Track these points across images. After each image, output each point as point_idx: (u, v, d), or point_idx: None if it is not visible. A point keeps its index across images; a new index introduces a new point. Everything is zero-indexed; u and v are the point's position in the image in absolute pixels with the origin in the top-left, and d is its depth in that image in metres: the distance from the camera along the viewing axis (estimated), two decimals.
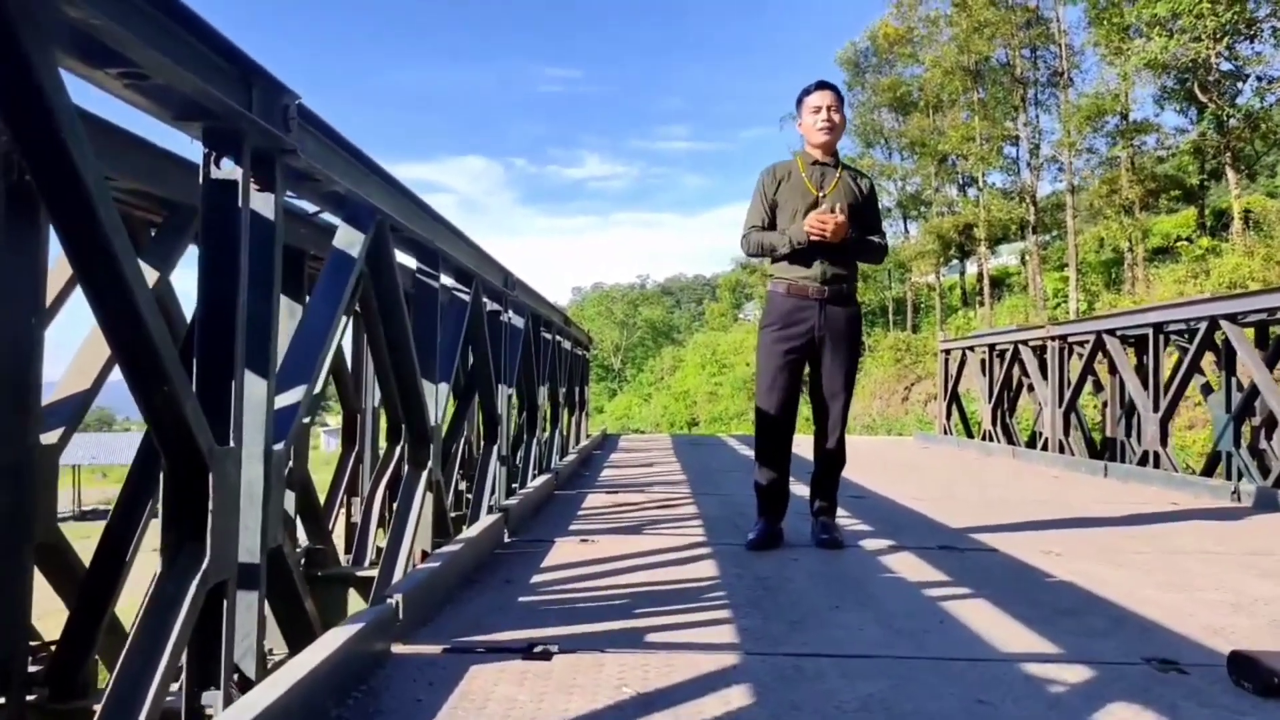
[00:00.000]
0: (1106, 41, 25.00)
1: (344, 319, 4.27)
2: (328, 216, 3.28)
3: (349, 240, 2.82)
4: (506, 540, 3.79)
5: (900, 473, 7.40)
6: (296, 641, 2.47)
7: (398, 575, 3.33)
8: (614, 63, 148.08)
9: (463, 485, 7.15)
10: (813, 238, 3.65)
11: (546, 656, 2.15)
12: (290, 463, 3.72)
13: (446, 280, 4.32)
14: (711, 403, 43.61)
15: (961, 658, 2.21)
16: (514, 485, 5.94)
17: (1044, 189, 34.79)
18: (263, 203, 2.19)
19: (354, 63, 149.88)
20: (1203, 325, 6.39)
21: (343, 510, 5.51)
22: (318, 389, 3.82)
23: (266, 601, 2.41)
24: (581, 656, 2.16)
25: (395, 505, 3.73)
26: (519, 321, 5.75)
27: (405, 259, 3.89)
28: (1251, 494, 5.35)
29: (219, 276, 2.05)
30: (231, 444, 2.01)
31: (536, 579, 3.09)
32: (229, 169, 2.08)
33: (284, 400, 2.37)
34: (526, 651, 2.18)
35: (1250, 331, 6.62)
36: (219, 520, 1.94)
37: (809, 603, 2.77)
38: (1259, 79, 23.82)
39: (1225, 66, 23.49)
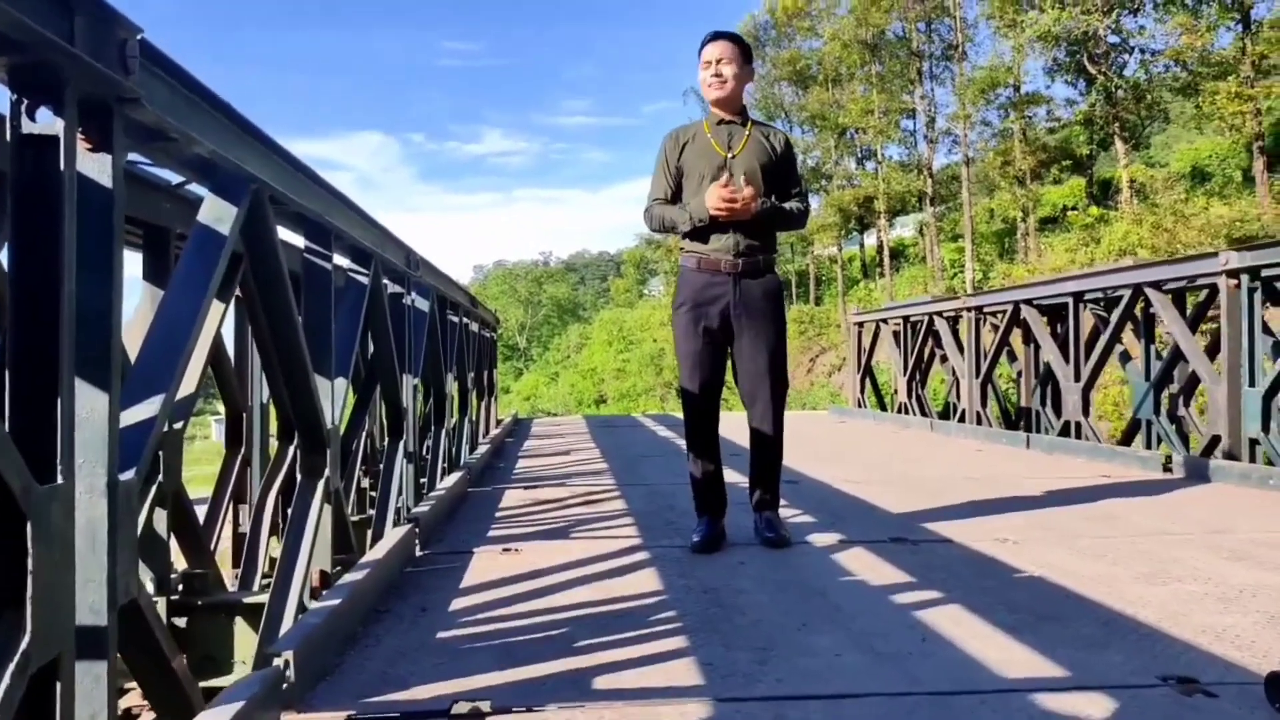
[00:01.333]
0: (1001, 14, 25.44)
1: (220, 306, 3.76)
2: (198, 189, 2.78)
3: (218, 214, 2.35)
4: (419, 554, 3.36)
5: (824, 450, 7.20)
6: (166, 709, 2.02)
7: (290, 607, 2.89)
8: (514, 36, 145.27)
9: (365, 482, 6.65)
10: (719, 217, 3.30)
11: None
12: (160, 476, 3.22)
13: (341, 261, 3.85)
14: (619, 379, 43.40)
15: (962, 690, 1.91)
16: (422, 480, 5.50)
17: (940, 161, 35.51)
18: (96, 165, 1.72)
19: (233, 26, 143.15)
20: (1126, 293, 6.32)
21: (229, 519, 4.97)
22: (186, 391, 3.32)
23: (125, 665, 1.96)
24: None
25: (288, 519, 3.26)
26: (423, 304, 5.29)
27: (293, 238, 3.41)
28: (1182, 464, 5.28)
29: (35, 260, 1.58)
30: (60, 479, 1.55)
31: (456, 604, 2.69)
32: (47, 122, 1.61)
33: (136, 414, 1.90)
34: (449, 717, 1.78)
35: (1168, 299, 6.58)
36: (43, 580, 1.49)
37: (771, 622, 2.44)
38: (1142, 51, 24.62)
39: (1112, 39, 24.16)
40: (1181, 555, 3.20)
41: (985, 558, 3.23)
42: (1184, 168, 29.76)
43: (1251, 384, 5.17)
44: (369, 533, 4.70)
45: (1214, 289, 6.30)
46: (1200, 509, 4.15)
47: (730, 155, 3.41)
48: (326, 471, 3.18)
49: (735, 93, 3.44)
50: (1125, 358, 7.30)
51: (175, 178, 3.24)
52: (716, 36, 3.44)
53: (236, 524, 5.02)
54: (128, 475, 1.80)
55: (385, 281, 4.64)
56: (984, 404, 8.50)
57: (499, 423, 10.23)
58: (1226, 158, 28.29)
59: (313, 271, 3.28)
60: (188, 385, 3.34)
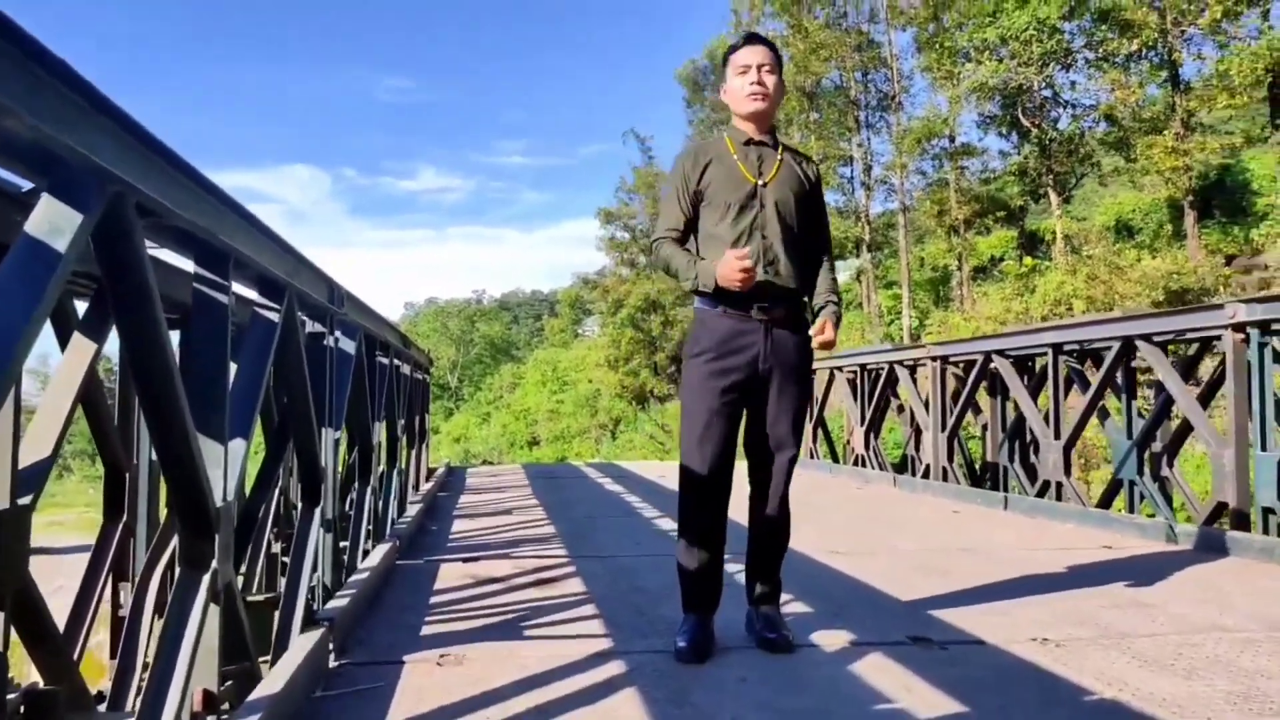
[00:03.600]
0: (938, 65, 25.72)
1: (90, 345, 3.03)
2: None
3: (54, 222, 1.67)
4: (334, 664, 2.66)
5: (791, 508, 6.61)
6: None
7: None
8: (452, 75, 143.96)
9: (279, 546, 5.85)
10: (733, 285, 2.73)
11: None
12: None
13: (247, 293, 3.17)
14: (553, 421, 42.47)
15: None
16: (344, 544, 4.75)
17: (876, 208, 35.76)
18: None
19: (167, 59, 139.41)
20: (1114, 345, 5.91)
21: (107, 602, 4.15)
22: (36, 456, 2.58)
23: None
24: None
25: (163, 620, 2.54)
26: (349, 345, 4.58)
27: (183, 262, 2.73)
28: (1192, 535, 4.82)
29: None
30: None
31: None
32: None
33: None
34: None
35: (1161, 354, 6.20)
36: None
37: None
38: (1073, 106, 25.04)
39: (1046, 93, 24.55)
40: (1267, 666, 2.67)
41: (1034, 669, 2.66)
42: (1108, 221, 30.40)
43: (1263, 448, 4.74)
44: (277, 614, 3.95)
45: (1205, 343, 5.95)
46: (1243, 595, 3.64)
47: (761, 183, 2.86)
48: (214, 563, 2.46)
49: (774, 107, 2.91)
50: (1103, 413, 6.90)
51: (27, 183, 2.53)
52: (754, 40, 2.93)
53: (116, 607, 4.21)
54: None
55: (303, 318, 3.94)
56: (950, 459, 8.04)
57: (430, 473, 9.45)
58: (1149, 212, 28.95)
59: (204, 304, 2.58)
60: (37, 450, 2.61)
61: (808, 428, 11.26)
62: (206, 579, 2.48)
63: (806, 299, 2.99)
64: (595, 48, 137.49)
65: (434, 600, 3.59)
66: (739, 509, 3.16)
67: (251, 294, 3.17)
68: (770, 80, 2.90)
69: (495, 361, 63.12)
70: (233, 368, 3.05)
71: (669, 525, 5.68)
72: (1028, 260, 27.02)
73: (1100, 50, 22.71)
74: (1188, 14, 20.39)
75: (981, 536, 5.28)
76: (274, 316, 3.15)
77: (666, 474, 9.54)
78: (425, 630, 3.09)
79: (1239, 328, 4.88)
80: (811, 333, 2.86)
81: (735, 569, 3.09)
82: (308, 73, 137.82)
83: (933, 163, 31.50)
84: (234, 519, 2.64)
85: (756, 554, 3.00)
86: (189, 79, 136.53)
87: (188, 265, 2.65)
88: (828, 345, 2.85)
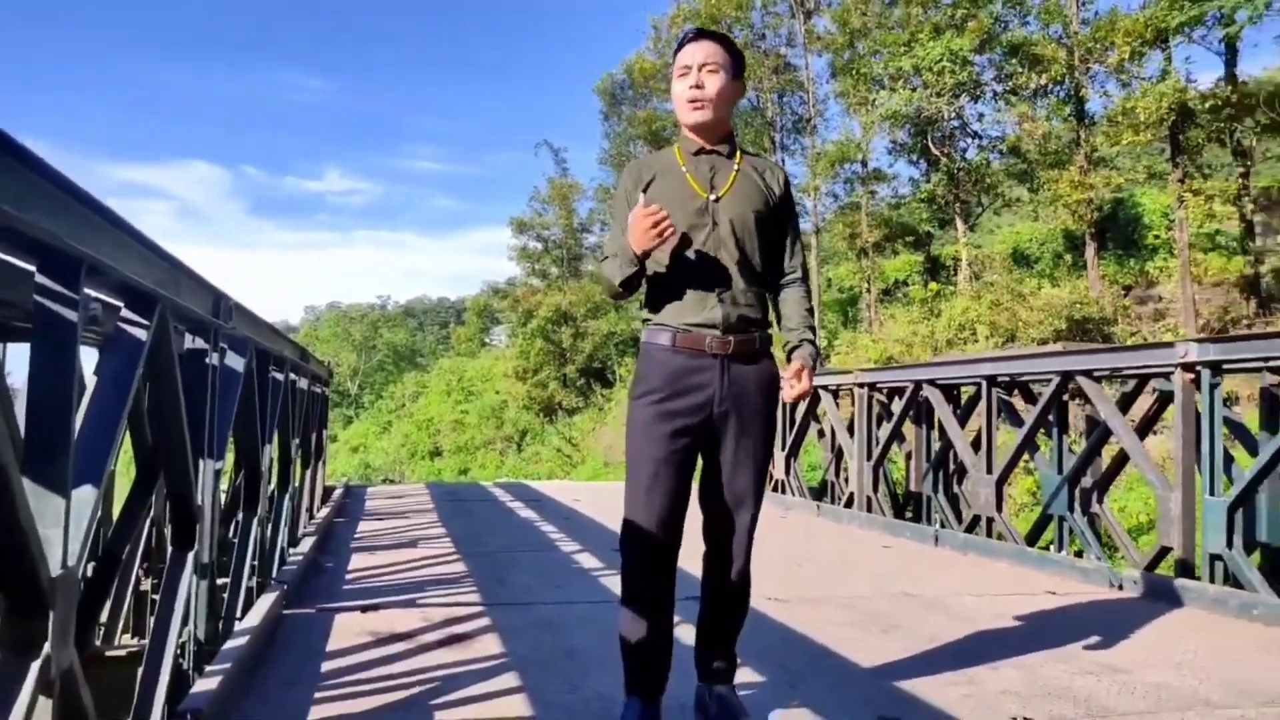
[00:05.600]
0: (853, 91, 26.01)
1: None
2: None
3: None
4: None
5: None
6: None
7: None
8: (363, 77, 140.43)
9: (148, 584, 5.22)
10: (652, 244, 2.36)
11: None
12: None
13: (111, 300, 2.65)
14: (456, 432, 41.44)
15: None
16: (223, 582, 4.19)
17: None
18: None
19: (56, 46, 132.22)
20: (1054, 379, 5.75)
21: None
22: None
23: None
24: None
25: None
26: (237, 361, 4.04)
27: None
28: (1137, 581, 4.64)
29: None
30: None
31: None
32: None
33: None
34: None
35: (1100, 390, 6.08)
36: None
37: None
38: (978, 136, 25.64)
39: (955, 123, 25.06)
40: None
41: None
42: (1006, 249, 31.25)
43: (1211, 492, 4.59)
44: (140, 670, 3.38)
45: (1142, 380, 5.83)
46: (1212, 658, 3.41)
47: (713, 197, 2.49)
48: (46, 648, 1.94)
49: (721, 114, 2.53)
50: (1032, 447, 6.76)
51: None
52: (699, 36, 2.54)
53: None
54: None
55: (184, 331, 3.42)
56: (875, 489, 7.83)
57: (327, 494, 8.80)
58: (1045, 242, 29.84)
59: (47, 321, 2.07)
60: None
61: None
62: (36, 667, 1.96)
63: (772, 329, 2.64)
64: (512, 57, 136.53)
65: (326, 667, 3.08)
66: (689, 558, 2.77)
67: (113, 301, 2.65)
68: (713, 82, 2.50)
69: (398, 369, 61.46)
70: (93, 385, 2.54)
71: (591, 563, 5.26)
72: (932, 285, 27.51)
73: (1009, 83, 23.27)
74: (1094, 52, 21.02)
75: (920, 578, 5.00)
76: (142, 334, 2.63)
77: (581, 497, 9.11)
78: (314, 714, 2.60)
79: (1189, 367, 4.73)
80: (785, 377, 2.50)
81: (679, 617, 2.70)
82: (211, 67, 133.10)
83: (845, 186, 31.89)
84: (78, 589, 2.12)
85: (710, 625, 2.61)
86: (79, 67, 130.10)
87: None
88: (803, 396, 2.49)
